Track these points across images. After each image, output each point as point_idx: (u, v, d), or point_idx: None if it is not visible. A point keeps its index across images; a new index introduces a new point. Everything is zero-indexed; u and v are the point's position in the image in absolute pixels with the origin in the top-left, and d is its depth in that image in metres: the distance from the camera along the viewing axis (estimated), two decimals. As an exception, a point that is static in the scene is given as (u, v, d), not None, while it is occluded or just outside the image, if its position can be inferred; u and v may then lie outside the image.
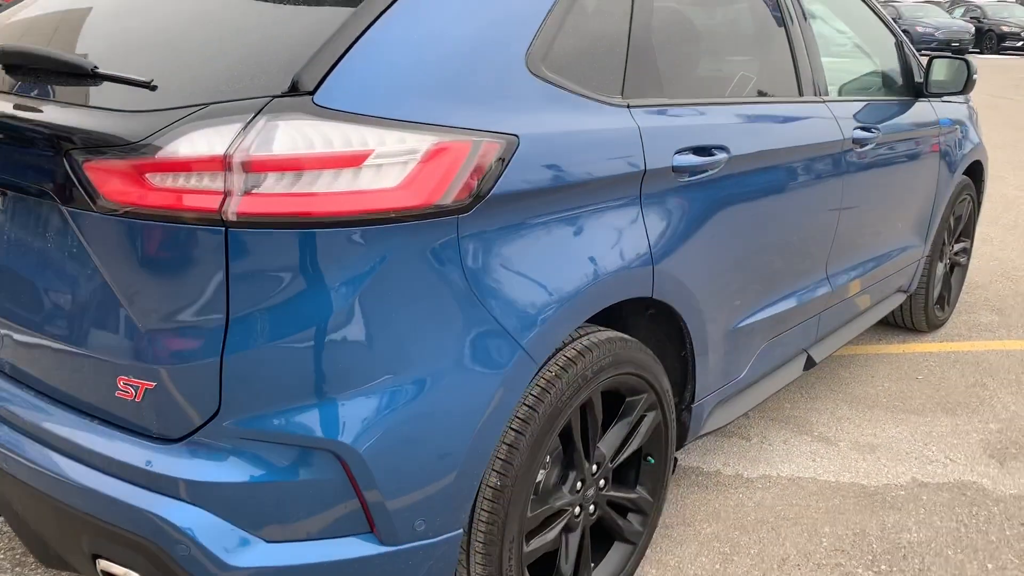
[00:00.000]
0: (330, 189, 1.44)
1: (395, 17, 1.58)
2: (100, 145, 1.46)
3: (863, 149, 2.89)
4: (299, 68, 1.46)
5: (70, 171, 1.48)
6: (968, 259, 4.37)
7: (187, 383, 1.49)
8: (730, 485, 2.82)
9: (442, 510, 1.65)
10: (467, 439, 1.63)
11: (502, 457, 1.74)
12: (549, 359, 1.81)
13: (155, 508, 1.50)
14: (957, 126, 3.76)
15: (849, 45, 3.54)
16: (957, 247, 4.24)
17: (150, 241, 1.46)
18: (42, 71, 1.66)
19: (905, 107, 3.34)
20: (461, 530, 1.71)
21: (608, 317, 2.14)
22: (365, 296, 1.50)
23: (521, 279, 1.69)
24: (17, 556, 2.31)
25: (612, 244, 1.88)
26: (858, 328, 3.34)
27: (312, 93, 1.45)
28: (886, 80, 3.43)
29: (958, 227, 4.15)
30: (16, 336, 1.71)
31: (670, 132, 2.02)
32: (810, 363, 2.98)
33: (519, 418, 1.76)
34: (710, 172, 2.15)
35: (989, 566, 2.45)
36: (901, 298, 3.73)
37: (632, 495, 2.20)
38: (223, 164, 1.39)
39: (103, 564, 1.59)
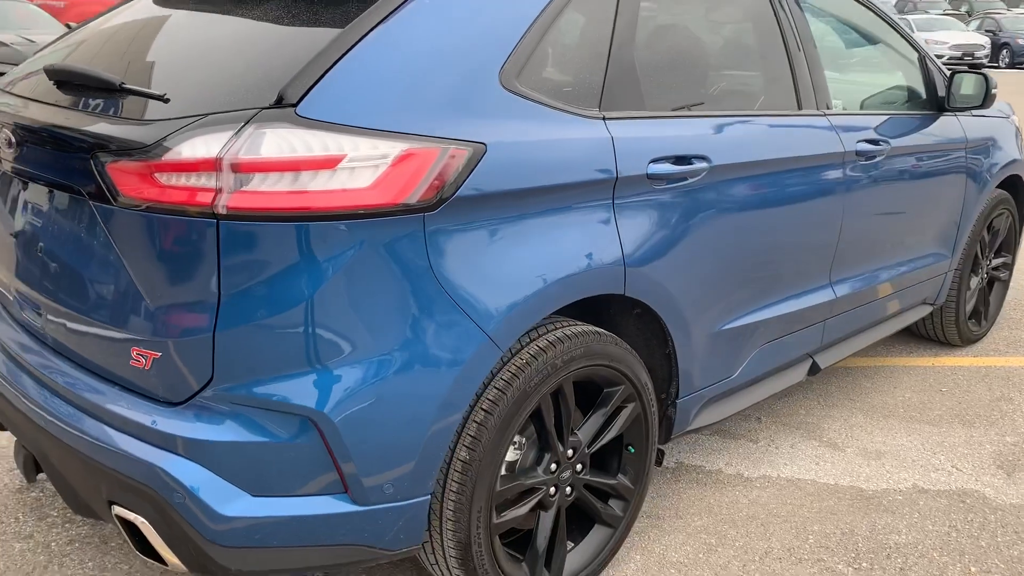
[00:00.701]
0: (308, 188, 1.66)
1: (374, 39, 1.80)
2: (121, 148, 1.72)
3: (870, 161, 2.97)
4: (284, 84, 1.69)
5: (96, 171, 1.74)
6: (1010, 274, 4.34)
7: (186, 354, 1.73)
8: (729, 483, 2.93)
9: (409, 477, 1.85)
10: (431, 415, 1.83)
11: (471, 434, 1.93)
12: (516, 346, 1.98)
13: (158, 461, 1.74)
14: (988, 140, 3.77)
15: (871, 61, 3.62)
16: (996, 261, 4.21)
17: (158, 231, 1.71)
18: (81, 86, 1.94)
19: (926, 121, 3.39)
20: (429, 496, 1.90)
21: (598, 315, 2.32)
22: (338, 282, 1.71)
23: (486, 272, 1.87)
24: (68, 513, 2.62)
25: (581, 244, 2.05)
26: (872, 337, 3.39)
27: (295, 105, 1.68)
28: (910, 95, 3.49)
29: (996, 241, 4.13)
30: (54, 313, 1.99)
31: (645, 142, 2.18)
32: (815, 368, 3.06)
33: (489, 399, 1.94)
34: (691, 180, 2.30)
35: (973, 569, 2.50)
36: (927, 310, 3.75)
37: (612, 481, 2.35)
38: (216, 165, 1.63)
39: (117, 510, 1.84)
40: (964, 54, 23.97)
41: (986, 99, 3.38)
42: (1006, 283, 4.32)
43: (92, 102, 1.90)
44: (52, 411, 1.92)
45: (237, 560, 1.78)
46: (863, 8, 3.31)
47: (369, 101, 1.75)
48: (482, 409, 1.94)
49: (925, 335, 4.14)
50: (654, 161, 2.19)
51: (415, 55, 1.84)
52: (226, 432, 1.75)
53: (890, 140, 3.09)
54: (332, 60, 1.74)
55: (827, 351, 3.14)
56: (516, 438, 2.12)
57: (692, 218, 2.33)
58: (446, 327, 1.82)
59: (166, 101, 1.77)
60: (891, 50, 3.46)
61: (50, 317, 2.02)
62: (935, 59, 3.53)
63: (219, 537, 1.74)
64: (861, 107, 3.40)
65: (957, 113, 3.58)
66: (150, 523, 1.78)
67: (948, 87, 3.42)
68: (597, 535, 2.36)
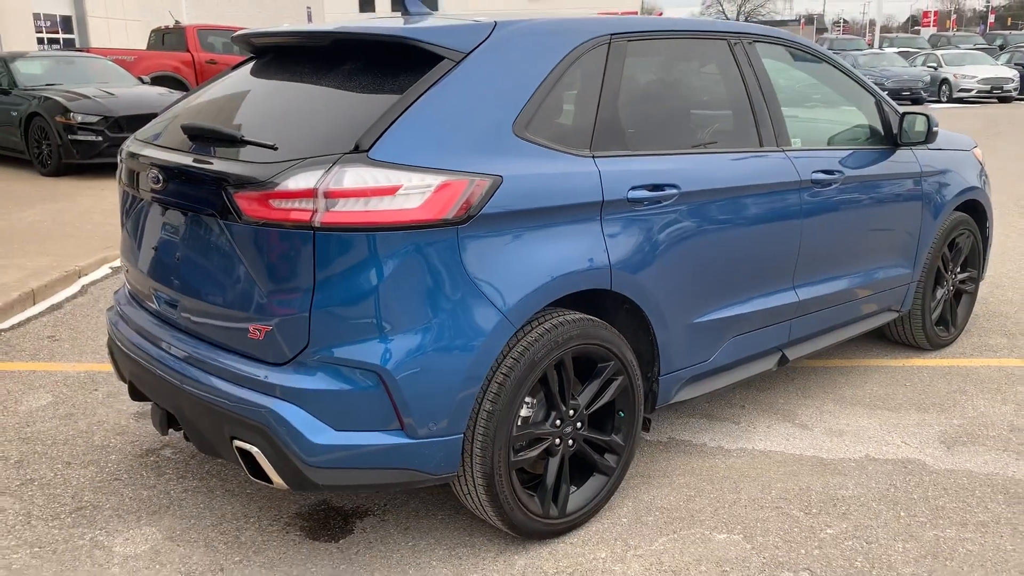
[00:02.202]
0: (376, 208, 2.37)
1: (422, 102, 2.52)
2: (244, 182, 2.45)
3: (825, 188, 3.62)
4: (360, 136, 2.41)
5: (226, 198, 2.47)
6: (976, 287, 4.91)
7: (290, 328, 2.44)
8: (711, 454, 3.55)
9: (447, 418, 2.52)
10: (463, 372, 2.51)
11: (494, 391, 2.61)
12: (526, 325, 2.66)
13: (269, 404, 2.44)
14: (944, 171, 4.38)
15: (834, 105, 4.28)
16: (962, 276, 4.79)
17: (271, 241, 2.43)
18: (210, 137, 2.68)
19: (881, 154, 4.03)
20: (462, 434, 2.57)
21: (597, 308, 2.98)
22: (396, 275, 2.42)
23: (503, 269, 2.56)
24: (181, 471, 3.33)
25: (575, 249, 2.74)
26: (839, 336, 4.00)
27: (367, 151, 2.40)
28: (871, 132, 4.13)
29: (959, 258, 4.71)
30: (188, 304, 2.72)
31: (626, 174, 2.86)
32: (783, 360, 3.69)
33: (507, 366, 2.62)
34: (665, 203, 2.98)
35: (902, 514, 3.09)
36: (892, 316, 4.35)
37: (607, 438, 3.00)
38: (313, 193, 2.35)
39: (237, 443, 2.54)
40: (993, 87, 24.50)
41: (928, 135, 4.02)
42: (972, 295, 4.89)
43: (219, 150, 2.65)
44: (188, 376, 2.64)
45: (324, 478, 2.47)
46: (826, 64, 3.98)
47: (419, 147, 2.46)
48: (502, 373, 2.62)
49: (898, 339, 4.72)
50: (633, 188, 2.88)
51: (450, 113, 2.55)
52: (317, 383, 2.44)
53: (844, 171, 3.73)
54: (393, 119, 2.46)
55: (795, 346, 3.76)
56: (528, 399, 2.78)
57: (667, 232, 3.00)
58: (473, 308, 2.51)
59: (275, 149, 2.50)
60: (850, 95, 4.12)
61: (185, 307, 2.75)
62: (890, 102, 4.17)
63: (311, 460, 2.43)
64: (829, 143, 4.06)
65: (913, 147, 4.21)
66: (262, 451, 2.48)
67: (900, 126, 4.06)
68: (595, 482, 3.01)
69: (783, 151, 3.50)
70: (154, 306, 2.95)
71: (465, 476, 2.69)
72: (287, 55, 3.10)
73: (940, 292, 4.66)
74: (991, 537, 2.94)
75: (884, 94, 4.20)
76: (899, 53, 29.10)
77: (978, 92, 24.65)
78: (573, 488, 2.97)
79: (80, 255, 6.54)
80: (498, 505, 2.70)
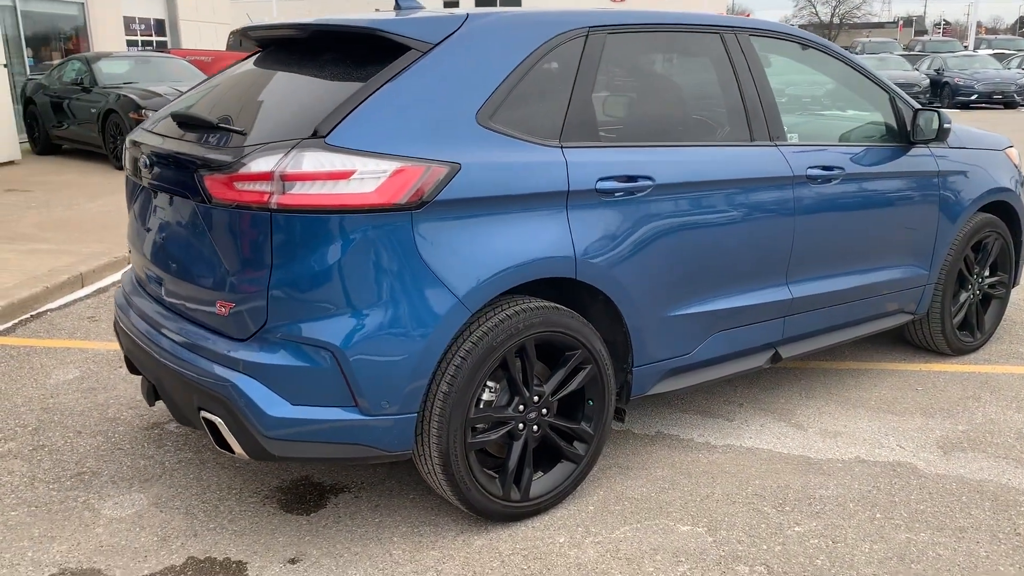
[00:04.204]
0: (332, 192, 2.47)
1: (384, 91, 2.60)
2: (213, 166, 2.58)
3: (822, 184, 3.57)
4: (319, 122, 2.52)
5: (197, 181, 2.61)
6: (1007, 292, 4.73)
7: (251, 305, 2.56)
8: (696, 448, 3.54)
9: (400, 398, 2.60)
10: (416, 354, 2.59)
11: (451, 373, 2.67)
12: (484, 310, 2.72)
13: (230, 377, 2.57)
14: (967, 170, 4.25)
15: (848, 102, 4.20)
16: (991, 280, 4.63)
17: (234, 222, 2.56)
18: (192, 124, 2.83)
19: (893, 152, 3.94)
20: (416, 414, 2.65)
21: (569, 297, 3.02)
22: (350, 257, 2.51)
23: (460, 253, 2.63)
24: (179, 445, 3.50)
25: (537, 238, 2.78)
26: (842, 337, 3.92)
27: (325, 136, 2.50)
28: (886, 130, 4.04)
29: (986, 261, 4.55)
30: (170, 282, 2.88)
31: (594, 165, 2.89)
32: (776, 357, 3.64)
33: (465, 349, 2.68)
34: (638, 194, 2.99)
35: (878, 515, 3.03)
36: (906, 318, 4.24)
37: (574, 426, 3.03)
38: (270, 176, 2.46)
39: (204, 414, 2.67)
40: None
41: (939, 133, 3.90)
42: (1003, 300, 4.72)
43: (199, 136, 2.79)
44: (166, 349, 2.79)
45: (281, 449, 2.58)
46: (836, 60, 3.91)
47: (377, 134, 2.55)
48: (459, 356, 2.68)
49: (918, 343, 4.59)
50: (602, 179, 2.91)
51: (412, 102, 2.63)
52: (276, 358, 2.56)
53: (845, 167, 3.67)
54: (353, 106, 2.56)
55: (790, 344, 3.71)
56: (491, 383, 2.84)
57: (640, 223, 3.02)
58: (427, 291, 2.58)
59: (244, 135, 2.63)
60: (862, 92, 4.04)
61: (168, 285, 2.91)
62: (907, 99, 4.07)
63: (268, 432, 2.55)
64: (840, 140, 3.99)
65: (929, 145, 4.10)
66: (224, 422, 2.61)
67: (913, 123, 3.95)
68: (562, 468, 3.05)
69: (776, 145, 3.47)
70: (147, 285, 3.12)
71: (424, 455, 2.76)
72: (280, 48, 3.24)
73: (964, 296, 4.51)
74: (966, 543, 2.86)
75: (900, 91, 4.10)
76: (994, 55, 27.96)
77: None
78: (540, 473, 3.01)
79: (134, 243, 6.88)
80: (455, 484, 2.76)
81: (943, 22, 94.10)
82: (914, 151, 4.03)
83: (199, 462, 3.39)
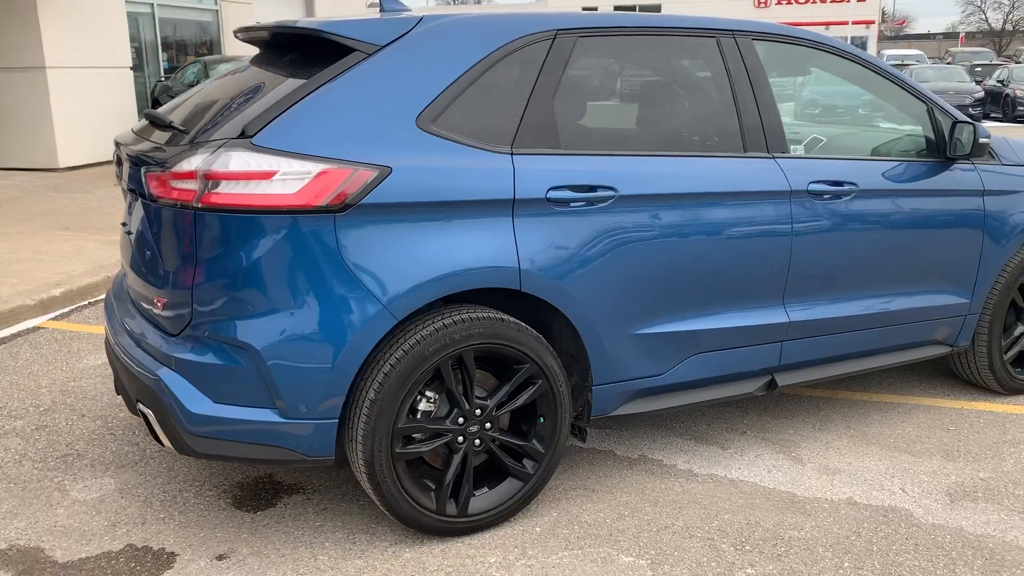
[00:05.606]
0: (255, 192, 2.47)
1: (320, 93, 2.59)
2: (153, 164, 2.64)
3: (828, 201, 3.30)
4: (246, 124, 2.52)
5: (144, 179, 2.68)
6: (1076, 328, 4.25)
7: (178, 301, 2.60)
8: (675, 476, 3.34)
9: (320, 402, 2.57)
10: (336, 359, 2.55)
11: (378, 380, 2.62)
12: (414, 318, 2.66)
13: (159, 372, 2.61)
14: (1018, 191, 3.84)
15: (879, 114, 3.87)
16: (1056, 313, 4.17)
17: (166, 219, 2.60)
18: (156, 124, 2.91)
19: (927, 168, 3.60)
20: (336, 420, 2.61)
21: (533, 314, 2.91)
22: (271, 258, 2.50)
23: (387, 260, 2.57)
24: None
25: (478, 246, 2.69)
26: (859, 366, 3.61)
27: (252, 137, 2.50)
28: (926, 144, 3.70)
29: (1048, 291, 4.10)
30: (130, 277, 2.96)
31: (546, 173, 2.78)
32: (772, 385, 3.39)
33: (396, 356, 2.63)
34: (599, 205, 2.85)
35: (846, 564, 2.76)
36: (942, 350, 3.86)
37: (522, 443, 2.92)
38: (195, 175, 2.49)
39: (140, 406, 2.73)
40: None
41: (974, 148, 3.54)
42: (1070, 336, 4.24)
43: (158, 135, 2.86)
44: (120, 342, 2.88)
45: (202, 446, 2.60)
46: (864, 68, 3.61)
47: (306, 135, 2.53)
48: (388, 363, 2.63)
49: (966, 379, 4.19)
50: (554, 188, 2.78)
51: (348, 104, 2.60)
52: (200, 356, 2.58)
53: (859, 183, 3.38)
54: (285, 107, 2.56)
55: (790, 371, 3.45)
56: (430, 393, 2.77)
57: (600, 236, 2.87)
58: (350, 296, 2.54)
59: (186, 133, 2.67)
60: (897, 102, 3.72)
61: (128, 280, 2.99)
62: (949, 111, 3.71)
63: (190, 428, 2.57)
64: (872, 154, 3.69)
65: (974, 160, 3.73)
66: (154, 415, 2.66)
67: (950, 137, 3.60)
68: (508, 485, 2.94)
69: (773, 158, 3.24)
70: (124, 280, 3.24)
71: (353, 462, 2.73)
72: (263, 49, 3.28)
73: (1020, 329, 4.08)
74: (937, 604, 2.57)
75: (942, 102, 3.74)
76: None
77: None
78: (485, 489, 2.92)
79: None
80: (381, 493, 2.71)
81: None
82: (954, 169, 3.67)
83: (175, 453, 3.47)
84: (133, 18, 13.92)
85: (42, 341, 4.89)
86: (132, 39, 13.61)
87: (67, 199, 9.21)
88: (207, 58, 13.58)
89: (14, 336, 4.99)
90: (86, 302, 5.65)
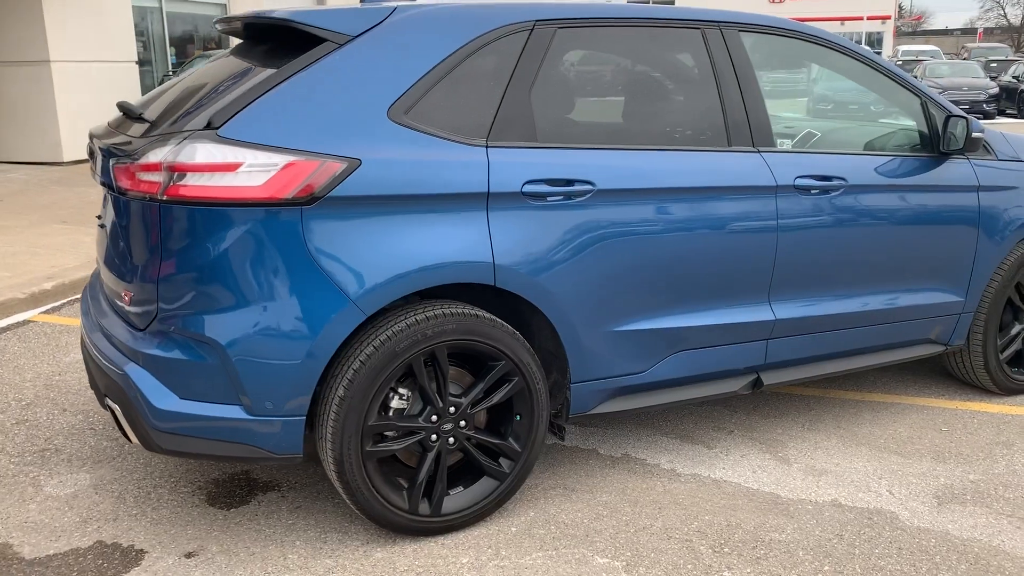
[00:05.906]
0: (219, 184, 2.43)
1: (288, 84, 2.54)
2: (120, 156, 2.60)
3: (815, 196, 3.23)
4: (213, 115, 2.48)
5: (112, 171, 2.64)
6: (1076, 327, 4.15)
7: (143, 295, 2.56)
8: (657, 475, 3.28)
9: (286, 399, 2.53)
10: (302, 355, 2.50)
11: (348, 377, 2.58)
12: (384, 314, 2.61)
13: (125, 367, 2.57)
14: (1015, 187, 3.76)
15: (881, 110, 3.80)
16: (1055, 312, 4.08)
17: (133, 212, 2.56)
18: (127, 115, 2.87)
19: (918, 164, 3.53)
20: (303, 417, 2.57)
21: (513, 310, 2.86)
22: (235, 251, 2.46)
23: (355, 253, 2.52)
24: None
25: (450, 241, 2.64)
26: (848, 365, 3.53)
27: (218, 128, 2.46)
28: (919, 139, 3.63)
29: (1049, 290, 4.02)
30: (103, 270, 2.92)
31: (521, 167, 2.72)
32: (758, 383, 3.33)
33: (365, 352, 2.58)
34: (576, 199, 2.80)
35: (826, 567, 2.70)
36: (935, 349, 3.79)
37: (498, 441, 2.86)
38: (160, 167, 2.44)
39: (107, 400, 2.70)
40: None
41: (966, 142, 3.45)
42: (1070, 335, 4.15)
43: (128, 127, 2.82)
44: (91, 336, 2.84)
45: (168, 442, 2.56)
46: (856, 60, 3.53)
47: (273, 127, 2.49)
48: (358, 359, 2.58)
49: (962, 379, 4.11)
50: (530, 182, 2.73)
51: (317, 95, 2.55)
52: (167, 351, 2.54)
53: (848, 178, 3.31)
54: (252, 99, 2.51)
55: (776, 370, 3.38)
56: (403, 391, 2.72)
57: (578, 230, 2.81)
58: (316, 291, 2.50)
59: (155, 124, 2.63)
60: (888, 96, 3.64)
61: (101, 274, 2.96)
62: (944, 105, 3.62)
63: (156, 424, 2.53)
64: (865, 148, 3.62)
65: (969, 156, 3.65)
66: (121, 410, 2.62)
67: (944, 131, 3.53)
68: (484, 484, 2.89)
69: (758, 152, 3.17)
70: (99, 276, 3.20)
71: (323, 460, 2.68)
72: (242, 40, 3.24)
73: (1016, 328, 4.00)
74: (917, 610, 2.51)
75: (936, 96, 3.66)
76: None
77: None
78: (460, 488, 2.87)
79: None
80: (351, 492, 2.66)
81: None
82: (948, 164, 3.59)
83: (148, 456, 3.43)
84: (141, 12, 13.93)
85: (31, 335, 4.88)
86: (140, 33, 13.63)
87: (69, 192, 9.22)
88: (213, 52, 13.56)
89: (3, 330, 4.97)
90: (77, 296, 5.63)
